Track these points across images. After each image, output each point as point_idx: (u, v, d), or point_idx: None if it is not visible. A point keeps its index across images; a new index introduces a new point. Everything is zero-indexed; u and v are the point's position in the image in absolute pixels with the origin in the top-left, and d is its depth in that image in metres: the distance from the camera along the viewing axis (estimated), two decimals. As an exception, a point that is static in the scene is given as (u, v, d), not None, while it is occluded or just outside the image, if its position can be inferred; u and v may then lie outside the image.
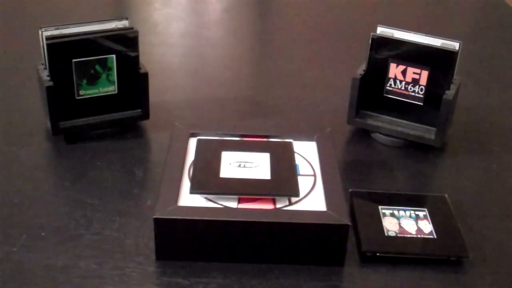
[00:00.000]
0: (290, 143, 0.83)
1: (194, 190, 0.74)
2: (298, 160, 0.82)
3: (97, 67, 0.92)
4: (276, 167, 0.78)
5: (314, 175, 0.79)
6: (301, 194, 0.75)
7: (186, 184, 0.76)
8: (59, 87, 0.90)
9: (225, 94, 1.12)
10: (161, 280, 0.70)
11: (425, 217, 0.79)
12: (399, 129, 0.97)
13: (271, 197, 0.74)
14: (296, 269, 0.72)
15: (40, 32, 0.89)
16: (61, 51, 0.89)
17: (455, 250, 0.74)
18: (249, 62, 1.34)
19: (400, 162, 0.94)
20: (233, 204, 0.73)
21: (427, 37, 0.93)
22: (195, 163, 0.79)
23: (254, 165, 0.79)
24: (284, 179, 0.76)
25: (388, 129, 0.97)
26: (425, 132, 0.95)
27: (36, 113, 0.99)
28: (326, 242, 0.71)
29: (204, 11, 1.61)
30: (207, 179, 0.76)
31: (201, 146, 0.82)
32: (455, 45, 0.91)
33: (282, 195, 0.74)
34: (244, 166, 0.79)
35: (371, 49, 0.95)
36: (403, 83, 0.95)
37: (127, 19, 0.94)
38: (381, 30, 0.95)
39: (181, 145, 0.83)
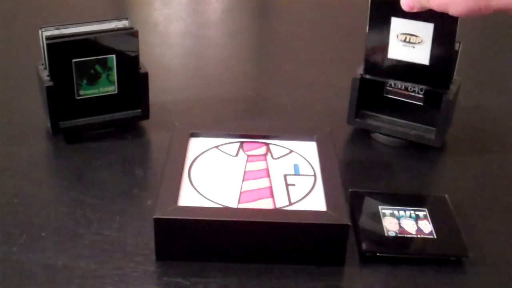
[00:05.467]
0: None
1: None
2: (298, 160, 0.82)
3: (97, 67, 0.92)
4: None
5: (314, 175, 0.79)
6: (301, 194, 0.75)
7: (186, 184, 0.76)
8: (59, 87, 0.90)
9: (225, 94, 1.12)
10: (161, 280, 0.70)
11: (425, 217, 0.79)
12: (399, 129, 0.97)
13: (271, 197, 0.75)
14: (296, 269, 0.72)
15: (40, 32, 0.89)
16: (61, 51, 0.89)
17: (455, 250, 0.74)
18: (249, 62, 1.34)
19: (400, 162, 0.94)
20: (233, 204, 0.73)
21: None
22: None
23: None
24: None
25: (388, 129, 0.97)
26: (425, 132, 0.95)
27: (36, 113, 0.99)
28: (326, 242, 0.71)
29: (204, 11, 1.61)
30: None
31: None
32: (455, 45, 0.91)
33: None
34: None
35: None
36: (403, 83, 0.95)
37: (127, 19, 0.94)
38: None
39: (181, 145, 0.83)
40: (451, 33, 0.86)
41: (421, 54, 0.89)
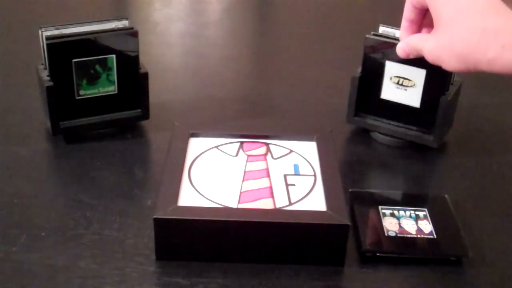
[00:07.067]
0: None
1: None
2: (298, 160, 0.82)
3: (97, 67, 0.92)
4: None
5: (314, 175, 0.79)
6: (301, 194, 0.75)
7: (186, 184, 0.76)
8: (59, 87, 0.90)
9: (225, 94, 1.12)
10: (161, 280, 0.70)
11: (425, 217, 0.79)
12: (399, 129, 0.97)
13: (271, 197, 0.75)
14: (296, 269, 0.72)
15: (40, 32, 0.89)
16: (61, 51, 0.89)
17: (455, 250, 0.74)
18: (249, 62, 1.34)
19: (400, 162, 0.94)
20: (233, 204, 0.73)
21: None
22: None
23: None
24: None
25: (387, 128, 0.97)
26: (424, 132, 0.95)
27: (36, 113, 0.99)
28: (326, 242, 0.71)
29: (204, 11, 1.61)
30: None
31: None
32: (455, 45, 0.91)
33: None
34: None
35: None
36: (403, 83, 0.95)
37: (127, 19, 0.94)
38: (383, 30, 0.95)
39: (181, 145, 0.83)
40: (444, 79, 0.88)
41: (412, 97, 0.92)
